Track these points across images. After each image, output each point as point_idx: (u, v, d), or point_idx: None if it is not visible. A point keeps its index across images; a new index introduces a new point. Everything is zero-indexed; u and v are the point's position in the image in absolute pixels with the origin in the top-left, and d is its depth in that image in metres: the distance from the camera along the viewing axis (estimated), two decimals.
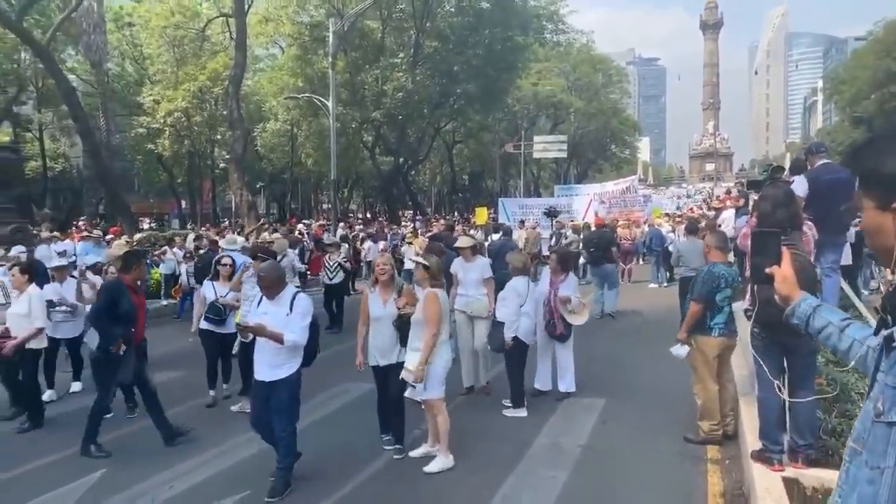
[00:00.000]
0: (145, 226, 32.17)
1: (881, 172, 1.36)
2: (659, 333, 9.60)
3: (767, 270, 1.86)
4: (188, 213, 41.50)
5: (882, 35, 48.03)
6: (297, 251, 12.53)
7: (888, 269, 1.44)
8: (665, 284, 15.83)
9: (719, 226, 14.46)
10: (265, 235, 15.53)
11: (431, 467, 5.04)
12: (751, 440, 4.85)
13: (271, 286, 4.77)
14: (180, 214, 42.32)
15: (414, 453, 5.30)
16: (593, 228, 15.09)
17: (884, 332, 1.36)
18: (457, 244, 7.80)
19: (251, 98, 36.35)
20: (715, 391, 5.47)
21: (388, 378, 5.27)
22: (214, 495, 4.49)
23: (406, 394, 5.45)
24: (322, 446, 5.56)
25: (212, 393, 7.07)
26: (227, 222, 29.80)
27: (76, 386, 7.80)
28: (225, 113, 26.28)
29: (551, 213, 20.32)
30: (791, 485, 4.16)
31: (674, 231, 18.14)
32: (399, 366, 5.14)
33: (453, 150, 46.18)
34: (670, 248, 14.90)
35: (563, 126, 51.69)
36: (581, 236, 16.38)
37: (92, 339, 6.06)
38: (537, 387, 6.98)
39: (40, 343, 6.65)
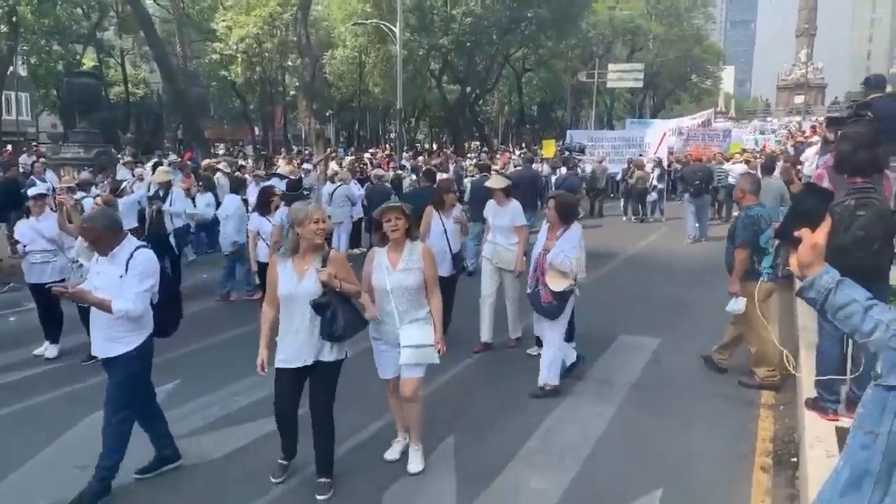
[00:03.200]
0: (220, 151, 33.22)
1: None
2: (721, 275, 9.33)
3: (797, 233, 1.68)
4: (261, 140, 42.51)
5: None
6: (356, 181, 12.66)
7: None
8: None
9: (801, 163, 13.69)
10: (333, 165, 15.79)
11: (416, 466, 4.14)
12: (807, 388, 4.75)
13: (98, 239, 3.81)
14: (253, 141, 43.40)
15: (390, 455, 4.32)
16: (691, 163, 15.90)
17: None
18: (488, 184, 6.97)
19: (320, 24, 36.21)
20: (769, 337, 5.36)
21: (310, 383, 3.89)
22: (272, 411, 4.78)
23: (387, 376, 4.21)
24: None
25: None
26: (295, 150, 30.35)
27: (52, 350, 6.47)
28: (294, 39, 26.32)
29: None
30: (844, 434, 4.07)
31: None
32: (327, 365, 3.82)
33: (522, 78, 44.85)
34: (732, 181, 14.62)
35: (640, 54, 49.11)
36: (677, 170, 16.27)
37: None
38: (548, 383, 5.37)
39: None
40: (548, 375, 5.32)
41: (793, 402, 5.05)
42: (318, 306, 3.68)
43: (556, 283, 5.10)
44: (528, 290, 5.42)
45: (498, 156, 23.19)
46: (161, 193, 9.00)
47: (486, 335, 6.55)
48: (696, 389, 5.51)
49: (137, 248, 3.84)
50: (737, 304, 5.44)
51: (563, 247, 5.15)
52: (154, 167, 14.15)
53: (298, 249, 3.77)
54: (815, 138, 18.61)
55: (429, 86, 37.56)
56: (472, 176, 15.19)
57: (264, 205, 7.39)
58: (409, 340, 3.94)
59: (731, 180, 15.18)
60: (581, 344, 6.48)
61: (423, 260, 4.02)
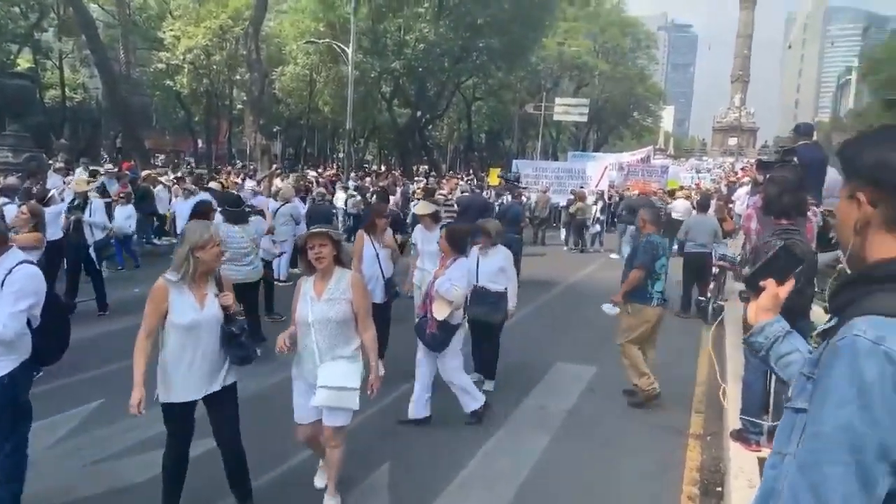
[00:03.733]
0: (160, 162, 32.31)
1: (855, 162, 1.34)
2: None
3: (763, 282, 1.76)
4: (204, 153, 41.58)
5: None
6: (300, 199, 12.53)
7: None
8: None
9: (733, 202, 14.37)
10: (277, 182, 15.57)
11: None
12: (733, 419, 4.93)
13: None
14: (196, 153, 42.40)
15: (319, 482, 4.13)
16: (636, 195, 16.72)
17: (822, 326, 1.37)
18: (415, 210, 6.98)
19: (272, 40, 35.91)
20: (638, 352, 5.88)
21: (213, 412, 3.62)
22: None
23: (301, 420, 3.86)
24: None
25: None
26: (239, 164, 29.82)
27: None
28: (244, 53, 26.02)
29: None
30: None
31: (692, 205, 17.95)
32: (230, 388, 3.62)
33: (472, 106, 45.55)
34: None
35: (586, 89, 50.76)
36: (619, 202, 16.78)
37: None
38: (411, 416, 5.25)
39: None
40: (469, 402, 5.28)
41: (719, 433, 5.22)
42: (233, 334, 3.50)
43: (440, 311, 4.95)
44: (417, 319, 5.33)
45: (444, 181, 23.38)
46: (79, 203, 8.50)
47: None
48: (628, 418, 5.63)
49: (20, 262, 3.44)
50: (612, 310, 6.03)
51: (452, 275, 5.09)
52: (92, 176, 13.64)
53: (196, 275, 3.45)
54: (746, 179, 19.58)
55: (379, 108, 37.65)
56: (419, 200, 15.25)
57: (202, 219, 7.17)
58: (326, 381, 3.60)
59: (674, 216, 15.76)
60: (518, 371, 6.56)
61: (351, 290, 3.72)
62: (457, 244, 5.28)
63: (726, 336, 7.17)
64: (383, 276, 6.24)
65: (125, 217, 10.38)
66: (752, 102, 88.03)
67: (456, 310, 5.01)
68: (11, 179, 9.95)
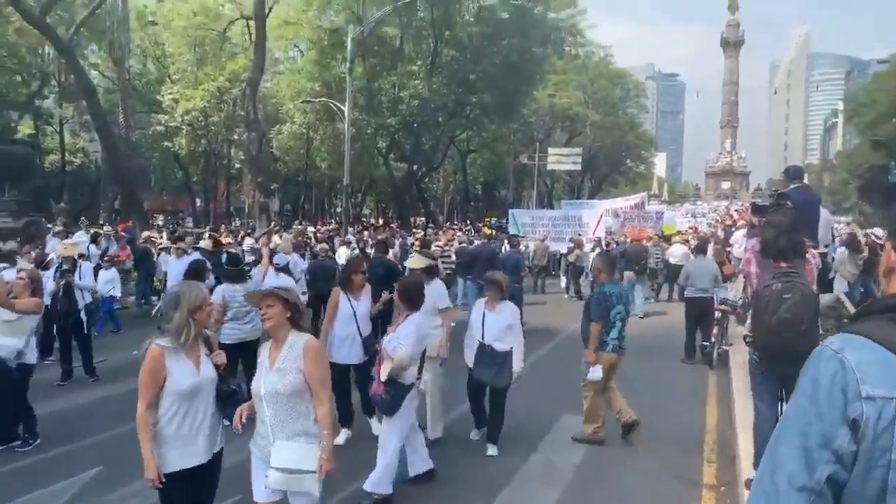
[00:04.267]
0: (159, 223, 32.51)
1: (888, 217, 1.49)
2: (661, 353, 9.54)
3: None
4: (202, 212, 41.92)
5: None
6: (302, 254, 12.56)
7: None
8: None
9: (731, 245, 14.42)
10: (276, 239, 15.59)
11: None
12: (746, 468, 4.81)
13: None
14: (194, 213, 42.74)
15: None
16: (629, 242, 17.08)
17: None
18: (408, 263, 6.74)
19: (269, 100, 36.71)
20: (600, 399, 6.00)
21: (194, 483, 3.35)
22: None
23: (260, 498, 3.42)
24: None
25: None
26: (237, 222, 29.99)
27: None
28: (242, 114, 26.55)
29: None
30: None
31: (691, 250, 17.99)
32: (220, 454, 3.47)
33: (467, 159, 46.26)
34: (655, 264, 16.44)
35: (578, 139, 51.66)
36: (619, 249, 16.90)
37: None
38: (410, 474, 5.01)
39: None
40: (376, 482, 4.59)
41: (733, 482, 5.09)
42: (233, 391, 3.41)
43: (383, 371, 4.54)
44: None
45: (440, 233, 23.49)
46: (68, 267, 8.27)
47: (435, 431, 5.92)
48: (639, 469, 5.49)
49: None
50: (595, 374, 5.86)
51: (400, 333, 4.67)
52: (93, 239, 13.63)
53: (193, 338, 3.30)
54: (742, 222, 19.70)
55: (376, 162, 38.21)
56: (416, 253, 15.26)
57: (198, 280, 7.15)
58: (279, 462, 3.20)
59: (672, 261, 15.83)
60: (525, 425, 6.44)
61: (303, 358, 3.30)
62: (410, 299, 4.85)
63: (733, 381, 7.08)
64: (360, 335, 5.86)
65: (106, 281, 10.41)
66: (743, 146, 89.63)
67: (402, 371, 4.55)
68: (10, 244, 9.99)
